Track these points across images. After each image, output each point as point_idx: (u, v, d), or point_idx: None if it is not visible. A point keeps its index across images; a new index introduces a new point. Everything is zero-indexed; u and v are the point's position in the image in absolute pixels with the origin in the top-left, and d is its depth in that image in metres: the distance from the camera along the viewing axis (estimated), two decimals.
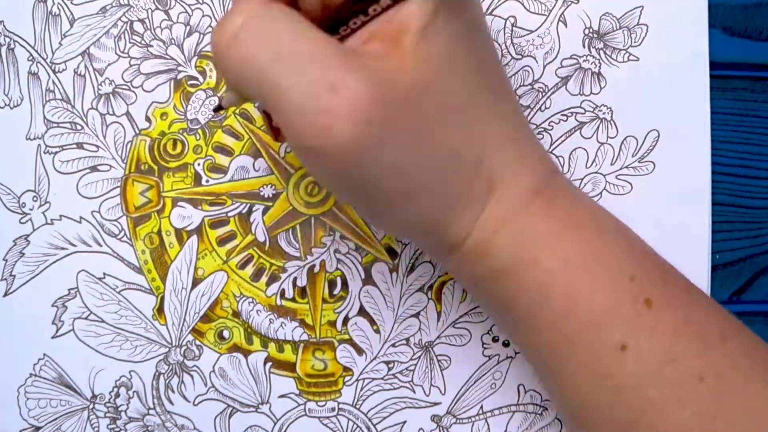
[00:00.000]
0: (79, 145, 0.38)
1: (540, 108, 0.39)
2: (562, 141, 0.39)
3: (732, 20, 0.40)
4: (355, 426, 0.39)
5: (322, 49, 0.25)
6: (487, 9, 0.39)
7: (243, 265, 0.39)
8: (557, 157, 0.39)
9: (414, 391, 0.39)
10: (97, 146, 0.38)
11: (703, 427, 0.28)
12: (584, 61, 0.39)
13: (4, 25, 0.38)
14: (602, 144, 0.39)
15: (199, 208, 0.38)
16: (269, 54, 0.25)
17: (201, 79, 0.39)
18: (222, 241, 0.39)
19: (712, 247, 0.39)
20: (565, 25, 0.39)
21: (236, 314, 0.38)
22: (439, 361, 0.39)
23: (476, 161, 0.28)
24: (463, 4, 0.27)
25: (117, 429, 0.38)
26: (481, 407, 0.39)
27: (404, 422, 0.39)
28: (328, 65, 0.25)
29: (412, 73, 0.26)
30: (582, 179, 0.39)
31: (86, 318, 0.38)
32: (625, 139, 0.39)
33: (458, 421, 0.39)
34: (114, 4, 0.38)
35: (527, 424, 0.39)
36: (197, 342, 0.38)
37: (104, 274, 0.38)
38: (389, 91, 0.25)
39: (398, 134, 0.26)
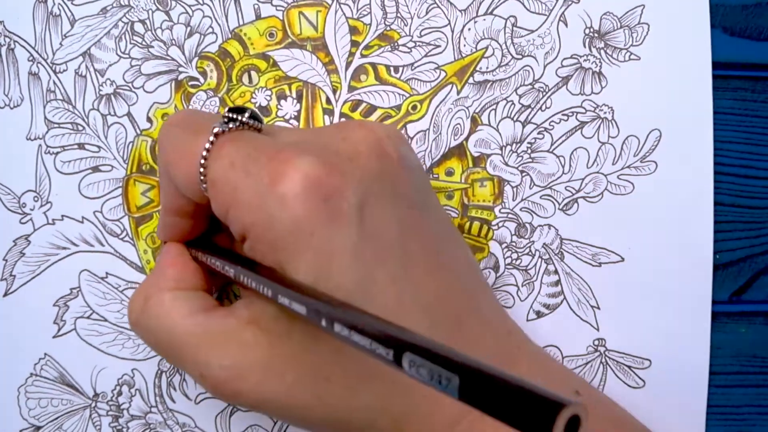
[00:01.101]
0: (81, 146, 0.38)
1: (540, 108, 0.39)
2: (563, 141, 0.39)
3: (732, 20, 0.40)
4: None
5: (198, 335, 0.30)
6: (488, 9, 0.39)
7: None
8: (558, 157, 0.39)
9: None
10: (98, 147, 0.38)
11: None
12: (585, 60, 0.39)
13: (4, 26, 0.38)
14: (603, 144, 0.39)
15: None
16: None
17: (202, 79, 0.39)
18: None
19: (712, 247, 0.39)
20: (566, 24, 0.39)
21: None
22: None
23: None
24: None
25: (119, 427, 0.38)
26: None
27: None
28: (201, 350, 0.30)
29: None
30: (583, 179, 0.39)
31: (88, 317, 0.38)
32: (626, 138, 0.39)
33: None
34: (115, 5, 0.38)
35: None
36: None
37: (107, 273, 0.38)
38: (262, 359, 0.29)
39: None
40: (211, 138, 0.28)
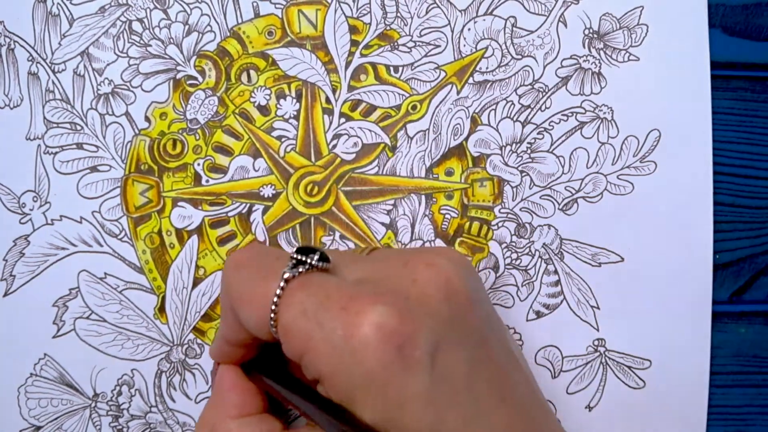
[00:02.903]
0: (79, 146, 0.38)
1: (540, 108, 0.39)
2: (563, 141, 0.39)
3: (732, 20, 0.40)
4: None
5: None
6: (487, 9, 0.39)
7: None
8: (558, 157, 0.39)
9: None
10: (96, 146, 0.38)
11: None
12: (584, 61, 0.39)
13: (4, 26, 0.38)
14: (603, 144, 0.39)
15: (199, 208, 0.39)
16: None
17: (200, 78, 0.39)
18: (222, 240, 0.39)
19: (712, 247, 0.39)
20: (565, 25, 0.39)
21: None
22: None
23: None
24: None
25: (119, 427, 0.38)
26: None
27: None
28: None
29: None
30: (583, 179, 0.39)
31: (87, 317, 0.38)
32: (626, 138, 0.39)
33: None
34: (113, 4, 0.38)
35: None
36: (198, 340, 0.38)
37: (105, 273, 0.38)
38: None
39: None
40: (282, 284, 0.28)
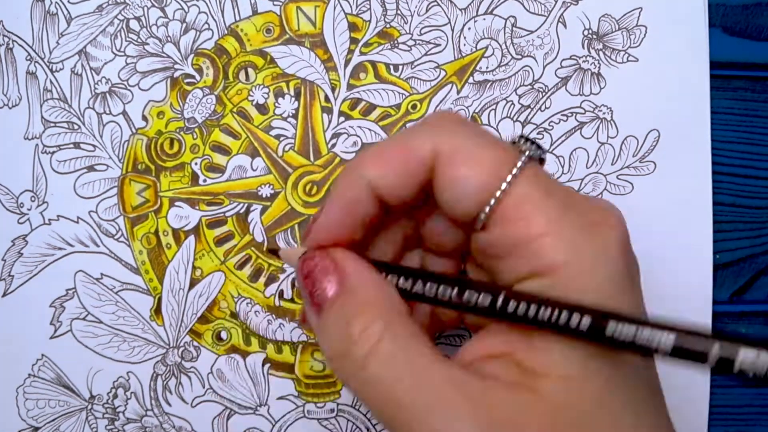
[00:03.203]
0: (76, 145, 0.38)
1: (540, 108, 0.39)
2: (563, 141, 0.39)
3: (732, 20, 0.40)
4: (354, 427, 0.38)
5: (448, 382, 0.23)
6: (488, 8, 0.39)
7: (241, 266, 0.38)
8: (558, 157, 0.39)
9: None
10: (94, 146, 0.38)
11: None
12: (584, 61, 0.39)
13: (2, 25, 0.38)
14: (603, 144, 0.39)
15: (197, 207, 0.38)
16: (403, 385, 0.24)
17: (198, 77, 0.38)
18: (220, 241, 0.38)
19: (712, 247, 0.39)
20: (565, 25, 0.39)
21: (234, 315, 0.38)
22: None
23: None
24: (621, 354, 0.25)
25: (115, 430, 0.38)
26: None
27: None
28: (456, 410, 0.23)
29: (545, 419, 0.23)
30: (582, 179, 0.39)
31: (84, 318, 0.38)
32: (625, 139, 0.39)
33: None
34: (110, 2, 0.38)
35: None
36: (195, 343, 0.38)
37: (102, 274, 0.38)
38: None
39: None
40: (516, 168, 0.25)
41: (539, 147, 0.26)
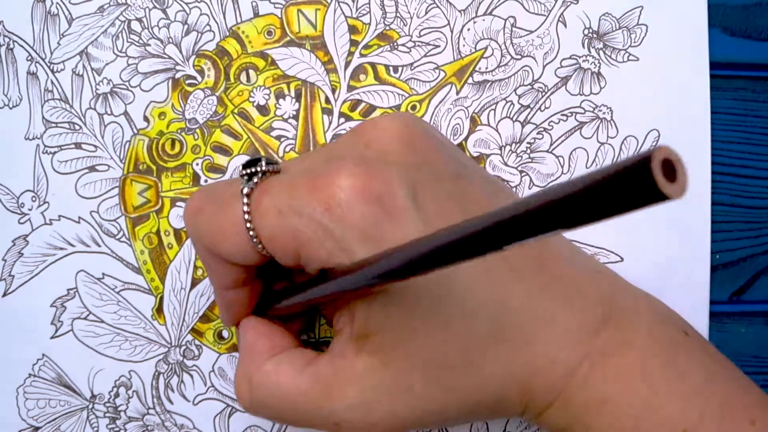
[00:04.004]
0: (78, 145, 0.38)
1: (540, 108, 0.39)
2: (562, 141, 0.39)
3: (732, 20, 0.40)
4: None
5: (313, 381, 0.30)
6: (487, 9, 0.39)
7: None
8: (557, 157, 0.39)
9: None
10: (95, 146, 0.38)
11: None
12: (584, 61, 0.39)
13: (3, 25, 0.38)
14: (602, 144, 0.39)
15: None
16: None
17: (199, 78, 0.38)
18: None
19: (712, 247, 0.39)
20: (565, 25, 0.39)
21: None
22: None
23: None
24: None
25: (116, 429, 0.38)
26: None
27: None
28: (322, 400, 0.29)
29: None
30: None
31: (85, 318, 0.38)
32: (625, 139, 0.39)
33: None
34: (111, 3, 0.38)
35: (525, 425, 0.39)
36: (197, 342, 0.38)
37: (103, 274, 0.38)
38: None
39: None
40: (245, 200, 0.28)
41: (257, 164, 0.29)
